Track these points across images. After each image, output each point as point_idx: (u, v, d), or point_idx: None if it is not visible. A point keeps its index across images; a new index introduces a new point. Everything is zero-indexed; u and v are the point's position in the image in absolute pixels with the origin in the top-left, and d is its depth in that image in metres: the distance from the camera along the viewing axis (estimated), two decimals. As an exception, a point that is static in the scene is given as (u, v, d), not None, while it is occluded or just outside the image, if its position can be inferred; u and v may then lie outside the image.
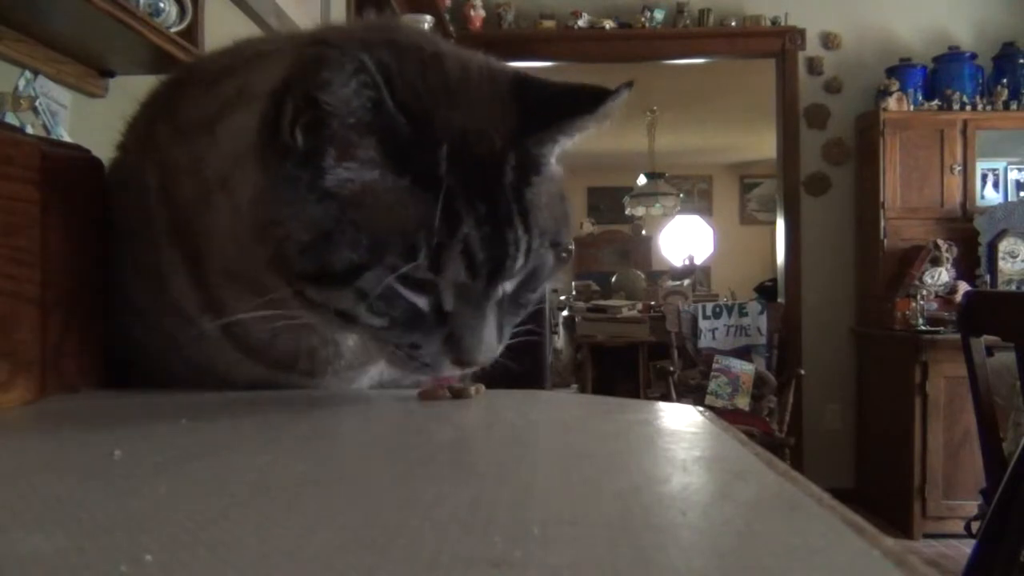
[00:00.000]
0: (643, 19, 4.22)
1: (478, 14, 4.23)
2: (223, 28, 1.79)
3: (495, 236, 0.53)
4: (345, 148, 0.52)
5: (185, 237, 0.62)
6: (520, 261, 0.56)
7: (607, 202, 8.32)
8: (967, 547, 1.63)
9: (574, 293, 6.33)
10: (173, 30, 1.54)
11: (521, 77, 0.61)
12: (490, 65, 0.61)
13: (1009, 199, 4.09)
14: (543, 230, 0.57)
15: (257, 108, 0.55)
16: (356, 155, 0.52)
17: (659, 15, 4.24)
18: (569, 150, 0.61)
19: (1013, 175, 4.16)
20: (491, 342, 0.57)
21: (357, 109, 0.51)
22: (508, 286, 0.58)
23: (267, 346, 0.64)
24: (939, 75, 4.07)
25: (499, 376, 0.65)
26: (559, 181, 0.61)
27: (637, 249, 8.46)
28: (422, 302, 0.55)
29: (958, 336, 1.81)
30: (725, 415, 2.97)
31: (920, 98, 4.01)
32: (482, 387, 0.66)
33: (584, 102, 0.58)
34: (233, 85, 0.61)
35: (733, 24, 4.22)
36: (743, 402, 3.82)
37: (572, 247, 0.64)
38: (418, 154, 0.52)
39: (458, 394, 0.64)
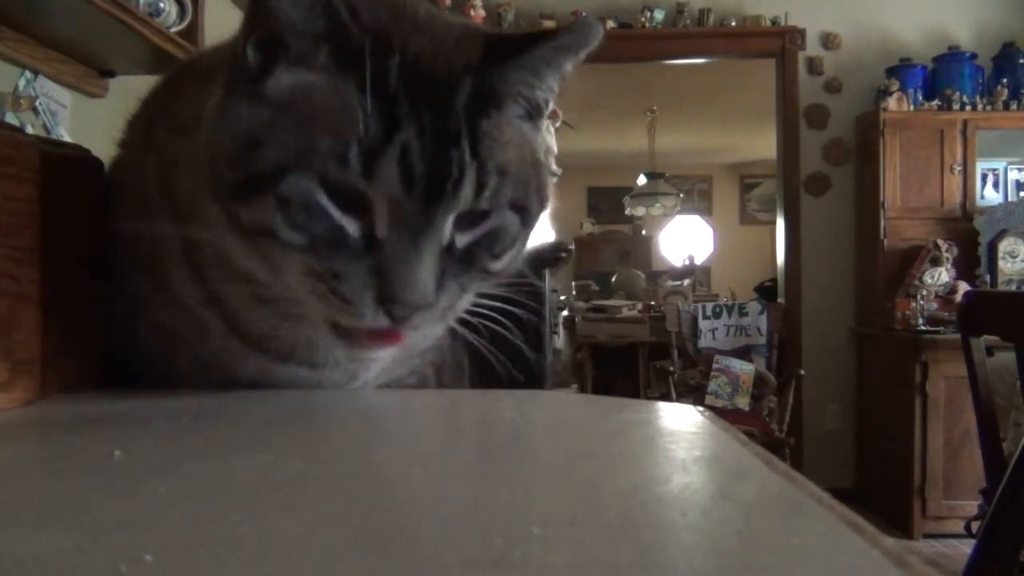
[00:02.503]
0: (643, 19, 4.22)
1: (478, 14, 4.23)
2: (223, 28, 1.79)
3: (438, 151, 0.51)
4: (297, 58, 0.52)
5: (183, 228, 0.61)
6: (466, 189, 0.52)
7: (607, 202, 8.32)
8: (967, 547, 1.63)
9: (574, 293, 6.33)
10: (173, 30, 1.54)
11: (493, 31, 0.59)
12: (466, 21, 0.61)
13: (1009, 199, 4.09)
14: (500, 169, 0.53)
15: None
16: (306, 62, 0.52)
17: (659, 15, 4.24)
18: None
19: (1013, 175, 4.16)
20: (426, 283, 0.51)
21: (310, 17, 0.51)
22: (458, 236, 0.54)
23: (270, 338, 0.63)
24: (939, 75, 4.07)
25: (499, 374, 0.65)
26: (532, 144, 0.59)
27: (637, 249, 8.45)
28: (350, 224, 0.51)
29: (958, 336, 1.81)
30: (725, 415, 2.97)
31: (920, 98, 4.01)
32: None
33: (550, 35, 0.56)
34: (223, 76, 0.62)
35: (733, 24, 4.22)
36: (743, 402, 3.82)
37: (572, 247, 0.64)
38: (367, 60, 0.50)
39: None
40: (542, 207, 0.60)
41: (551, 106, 0.61)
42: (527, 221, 0.58)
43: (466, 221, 0.54)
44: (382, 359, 0.68)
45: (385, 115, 0.50)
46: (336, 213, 0.50)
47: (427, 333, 0.59)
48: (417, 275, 0.51)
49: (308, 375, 0.66)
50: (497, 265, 0.57)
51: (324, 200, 0.50)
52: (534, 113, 0.59)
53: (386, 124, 0.50)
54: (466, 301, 0.57)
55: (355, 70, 0.50)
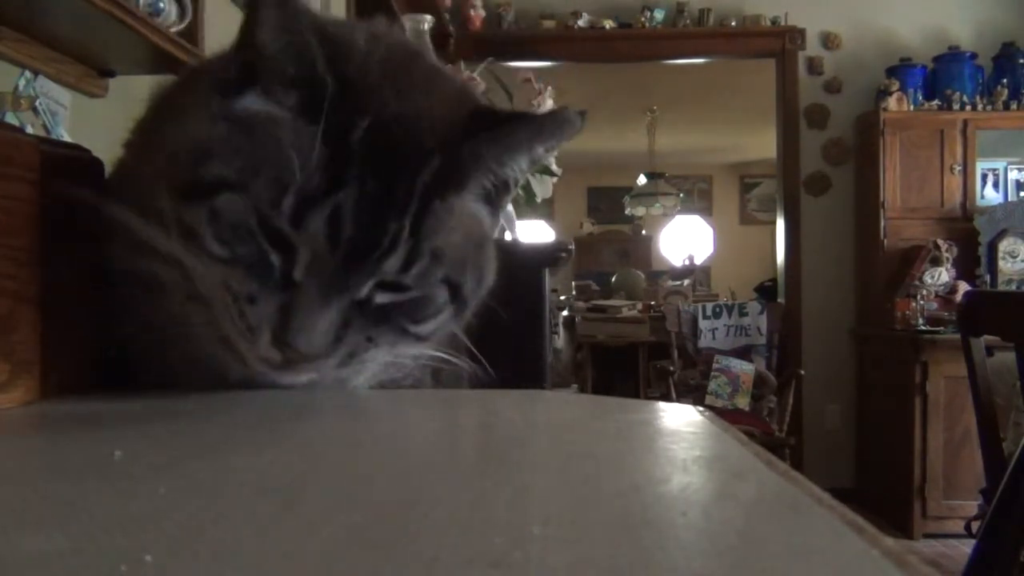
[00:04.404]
0: (643, 19, 4.22)
1: (478, 14, 4.23)
2: (223, 28, 1.79)
3: (374, 221, 0.51)
4: (269, 92, 0.53)
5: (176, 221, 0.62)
6: (392, 263, 0.52)
7: (607, 202, 8.32)
8: (967, 547, 1.63)
9: (574, 293, 6.33)
10: (173, 30, 1.54)
11: (485, 105, 0.60)
12: (466, 87, 0.61)
13: (1009, 199, 4.09)
14: (435, 253, 0.54)
15: None
16: (276, 97, 0.53)
17: (659, 15, 4.24)
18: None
19: (1013, 175, 4.16)
20: (322, 335, 0.51)
21: (288, 58, 0.52)
22: (378, 294, 0.53)
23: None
24: (939, 75, 4.07)
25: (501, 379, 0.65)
26: (482, 226, 0.60)
27: (637, 249, 8.45)
28: (274, 256, 0.51)
29: (958, 336, 1.81)
30: (725, 415, 2.97)
31: (920, 98, 4.02)
32: None
33: (532, 120, 0.57)
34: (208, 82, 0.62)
35: (733, 24, 4.22)
36: (743, 402, 3.82)
37: (572, 247, 0.64)
38: (337, 114, 0.51)
39: None
40: (480, 285, 0.60)
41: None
42: (458, 296, 0.58)
43: (389, 286, 0.54)
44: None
45: (330, 171, 0.50)
46: (263, 242, 0.51)
47: (333, 375, 0.58)
48: (315, 325, 0.51)
49: (299, 381, 0.66)
50: (419, 329, 0.57)
51: (254, 226, 0.51)
52: (499, 191, 0.59)
53: (328, 180, 0.50)
54: (378, 354, 0.56)
55: (317, 119, 0.51)
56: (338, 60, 0.53)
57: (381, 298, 0.54)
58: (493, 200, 0.60)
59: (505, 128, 0.56)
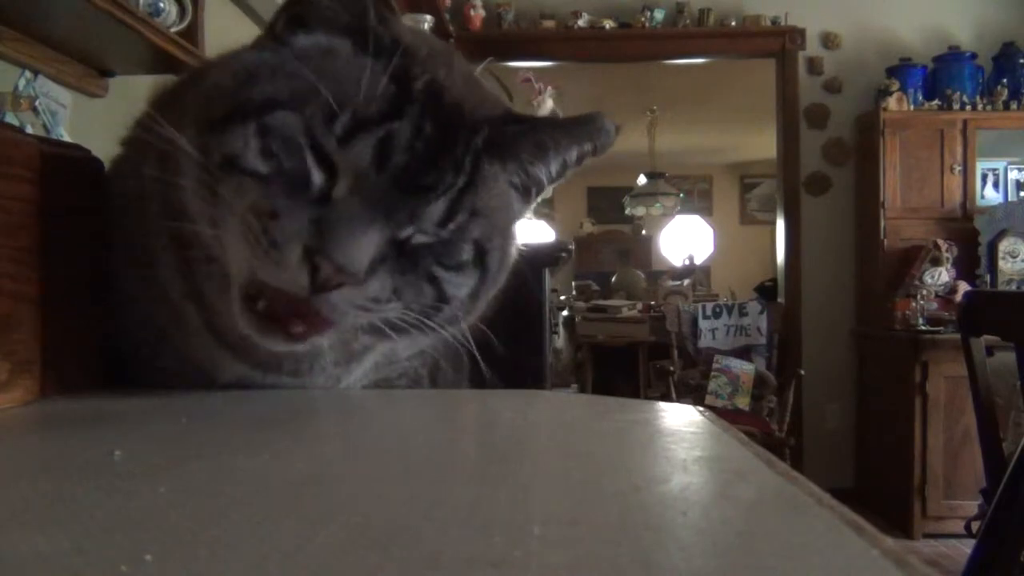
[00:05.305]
0: (643, 19, 4.22)
1: (478, 14, 4.23)
2: (223, 28, 1.79)
3: (431, 162, 0.52)
4: (326, 32, 0.55)
5: (176, 219, 0.61)
6: (438, 208, 0.52)
7: (607, 202, 8.31)
8: (967, 547, 1.63)
9: (574, 293, 6.33)
10: (173, 30, 1.54)
11: (516, 111, 0.62)
12: (497, 94, 0.64)
13: (1009, 199, 4.09)
14: (476, 211, 0.55)
15: None
16: (335, 34, 0.55)
17: (659, 15, 4.24)
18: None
19: (1013, 175, 4.16)
20: (361, 252, 0.49)
21: (340, 5, 0.54)
22: (416, 233, 0.53)
23: (248, 343, 0.63)
24: (939, 75, 4.07)
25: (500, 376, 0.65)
26: (513, 219, 0.61)
27: (637, 249, 8.45)
28: (317, 175, 0.50)
29: (958, 336, 1.81)
30: (725, 415, 2.97)
31: (920, 98, 4.01)
32: None
33: (564, 121, 0.60)
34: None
35: (733, 24, 4.22)
36: (743, 402, 3.82)
37: (572, 247, 0.65)
38: (399, 53, 0.53)
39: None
40: (501, 268, 0.61)
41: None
42: (482, 263, 0.58)
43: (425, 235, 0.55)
44: (358, 365, 0.67)
45: (392, 103, 0.52)
46: (310, 157, 0.51)
47: (336, 330, 0.55)
48: (355, 241, 0.49)
49: (292, 384, 0.65)
50: (441, 276, 0.55)
51: (304, 141, 0.51)
52: (528, 189, 0.61)
53: (386, 110, 0.51)
54: (395, 308, 0.54)
55: (377, 56, 0.53)
56: (386, 20, 0.55)
57: (418, 238, 0.53)
58: (524, 196, 0.62)
59: (538, 124, 0.59)
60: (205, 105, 0.55)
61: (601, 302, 5.58)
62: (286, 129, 0.51)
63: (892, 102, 3.95)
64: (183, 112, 0.57)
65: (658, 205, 7.01)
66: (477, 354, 0.63)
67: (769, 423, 3.75)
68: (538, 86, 2.39)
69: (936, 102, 3.98)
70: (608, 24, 4.22)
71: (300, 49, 0.55)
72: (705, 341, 4.04)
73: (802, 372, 3.92)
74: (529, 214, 0.66)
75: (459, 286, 0.57)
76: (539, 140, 0.58)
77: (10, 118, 1.33)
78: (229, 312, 0.58)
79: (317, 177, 0.50)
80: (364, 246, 0.49)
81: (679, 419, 0.55)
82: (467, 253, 0.56)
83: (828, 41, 4.24)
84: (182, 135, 0.54)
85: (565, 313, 5.48)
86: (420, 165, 0.52)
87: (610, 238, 8.56)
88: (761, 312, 4.05)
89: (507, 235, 0.61)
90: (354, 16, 0.54)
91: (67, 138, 1.43)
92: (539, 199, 0.64)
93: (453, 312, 0.58)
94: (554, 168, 0.61)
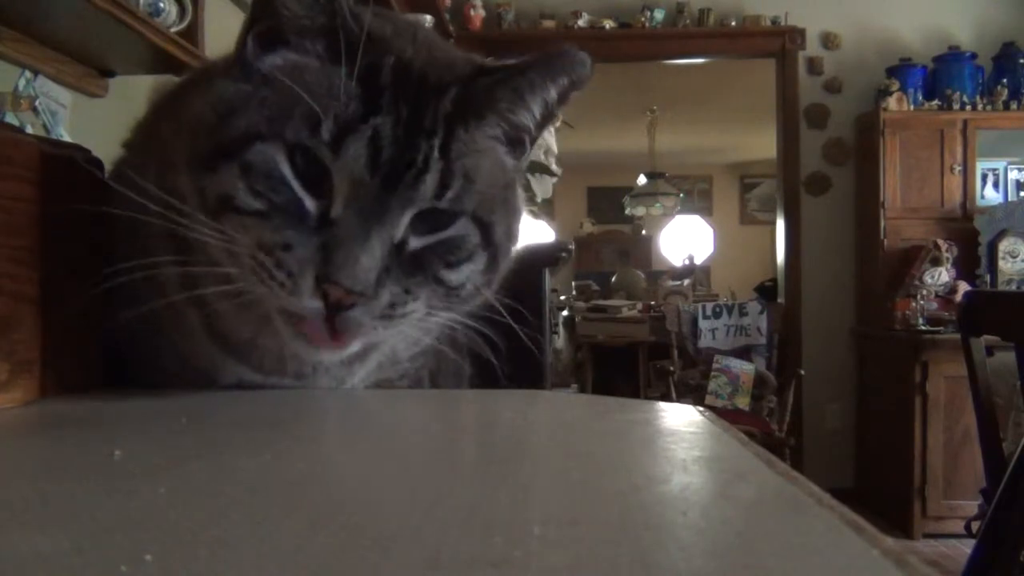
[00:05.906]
0: (643, 19, 4.22)
1: (478, 14, 4.23)
2: (223, 28, 1.79)
3: (408, 141, 0.53)
4: (295, 47, 0.55)
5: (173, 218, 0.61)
6: (428, 183, 0.53)
7: (607, 202, 8.31)
8: (967, 547, 1.63)
9: (574, 293, 6.33)
10: (173, 30, 1.54)
11: (492, 63, 0.62)
12: (468, 54, 0.63)
13: (1009, 199, 4.09)
14: (466, 175, 0.55)
15: None
16: (302, 50, 0.55)
17: (659, 15, 4.24)
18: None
19: (1013, 175, 4.16)
20: (367, 270, 0.50)
21: (312, 13, 0.54)
22: (413, 238, 0.54)
23: (249, 346, 0.63)
24: (939, 75, 4.07)
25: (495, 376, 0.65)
26: (506, 170, 0.61)
27: (637, 249, 8.45)
28: (309, 201, 0.52)
29: (958, 336, 1.80)
30: (725, 415, 2.97)
31: (920, 98, 4.01)
32: None
33: (534, 60, 0.58)
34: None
35: (733, 24, 4.22)
36: (743, 402, 3.82)
37: (572, 247, 0.65)
38: (360, 51, 0.53)
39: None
40: (509, 235, 0.61)
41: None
42: (489, 238, 0.58)
43: (424, 224, 0.55)
44: (360, 366, 0.67)
45: (367, 101, 0.53)
46: (296, 185, 0.52)
47: (370, 336, 0.56)
48: (359, 258, 0.51)
49: (294, 386, 0.65)
50: (451, 276, 0.57)
51: (287, 171, 0.52)
52: (514, 139, 0.61)
53: (366, 107, 0.52)
54: (416, 308, 0.56)
55: (347, 59, 0.53)
56: (357, 16, 0.55)
57: (416, 242, 0.55)
58: (514, 148, 0.61)
59: (510, 69, 0.58)
60: (191, 143, 0.56)
61: (601, 302, 5.58)
62: (266, 163, 0.52)
63: (892, 102, 3.95)
64: (165, 148, 0.59)
65: (658, 205, 7.00)
66: (481, 358, 0.64)
67: (769, 423, 3.75)
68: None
69: (936, 102, 3.98)
70: (608, 24, 4.22)
71: (272, 70, 0.55)
72: (705, 341, 4.04)
73: (802, 372, 3.92)
74: (549, 129, 0.67)
75: (469, 275, 0.58)
76: (514, 86, 0.58)
77: (10, 118, 1.33)
78: (229, 314, 0.59)
79: (310, 204, 0.52)
80: (366, 264, 0.51)
81: (679, 419, 0.55)
82: (470, 239, 0.57)
83: (828, 41, 4.23)
84: (176, 176, 0.56)
85: (565, 313, 5.48)
86: (401, 151, 0.53)
87: (610, 238, 8.56)
88: (761, 312, 4.05)
89: (508, 194, 0.61)
90: (329, 16, 0.55)
91: (67, 138, 1.43)
92: (530, 148, 0.63)
93: (471, 291, 0.60)
94: (537, 110, 0.60)
